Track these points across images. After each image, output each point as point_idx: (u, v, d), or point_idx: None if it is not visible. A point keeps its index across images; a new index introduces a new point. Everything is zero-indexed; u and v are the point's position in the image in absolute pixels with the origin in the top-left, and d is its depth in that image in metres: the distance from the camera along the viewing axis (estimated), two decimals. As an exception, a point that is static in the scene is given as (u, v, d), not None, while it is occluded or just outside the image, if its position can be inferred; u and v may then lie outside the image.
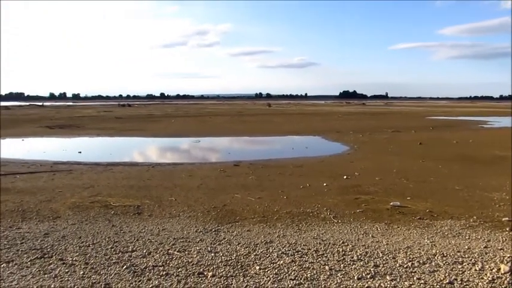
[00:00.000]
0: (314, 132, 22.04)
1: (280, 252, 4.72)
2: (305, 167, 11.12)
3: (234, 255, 4.61)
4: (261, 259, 4.51)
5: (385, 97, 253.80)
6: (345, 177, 9.49)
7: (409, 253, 4.67)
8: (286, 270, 4.20)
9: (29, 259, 4.54)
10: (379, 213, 6.46)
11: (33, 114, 44.84)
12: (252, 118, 36.49)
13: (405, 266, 4.30)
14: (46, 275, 4.12)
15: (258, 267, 4.27)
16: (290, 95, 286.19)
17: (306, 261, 4.45)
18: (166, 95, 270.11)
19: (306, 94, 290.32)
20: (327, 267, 4.27)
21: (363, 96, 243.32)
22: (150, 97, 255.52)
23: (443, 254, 4.64)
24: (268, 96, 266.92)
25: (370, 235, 5.38)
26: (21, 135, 21.61)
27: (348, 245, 4.97)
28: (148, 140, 19.92)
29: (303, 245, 4.94)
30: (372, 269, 4.21)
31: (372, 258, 4.51)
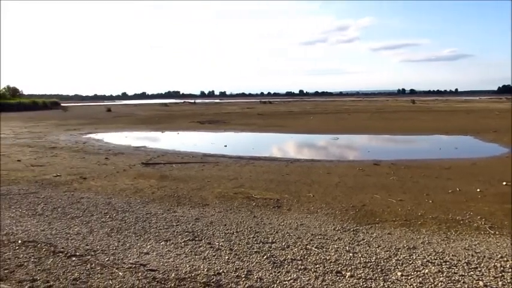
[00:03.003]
0: (465, 132, 19.87)
1: (425, 260, 4.38)
2: (454, 169, 10.12)
3: (374, 258, 4.44)
4: (403, 265, 4.25)
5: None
6: (504, 183, 8.34)
7: None
8: (431, 281, 3.88)
9: (182, 240, 5.08)
10: (550, 227, 5.50)
11: (187, 110, 50.10)
12: (393, 115, 34.65)
13: None
14: (196, 256, 4.55)
15: (399, 273, 4.03)
16: (437, 90, 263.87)
17: (455, 273, 4.05)
18: (305, 92, 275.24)
19: (456, 89, 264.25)
20: (481, 283, 3.81)
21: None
22: (289, 94, 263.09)
23: None
24: (412, 92, 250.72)
25: (538, 252, 4.63)
26: (176, 129, 24.45)
27: (508, 260, 4.35)
28: (287, 136, 20.46)
29: (452, 255, 4.50)
30: (539, 292, 3.62)
31: (540, 280, 3.88)
